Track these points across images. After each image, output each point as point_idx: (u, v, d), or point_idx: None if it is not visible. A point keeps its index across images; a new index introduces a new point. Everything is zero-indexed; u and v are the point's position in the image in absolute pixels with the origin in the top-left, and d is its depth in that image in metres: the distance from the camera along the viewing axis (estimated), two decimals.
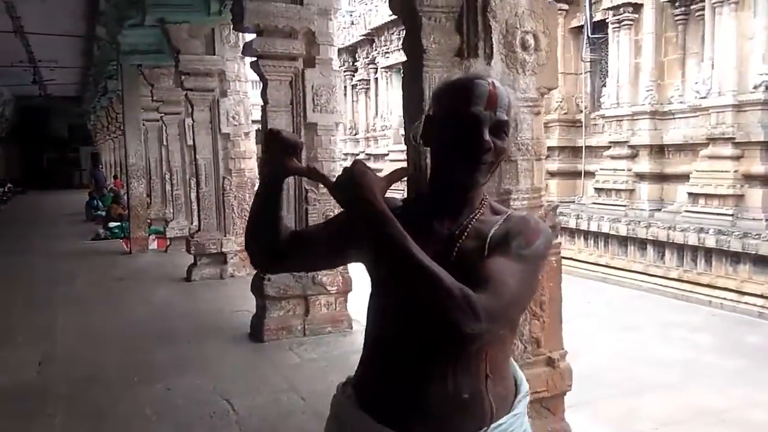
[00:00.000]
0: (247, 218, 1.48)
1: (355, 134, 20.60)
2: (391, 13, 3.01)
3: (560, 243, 2.80)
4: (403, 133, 2.61)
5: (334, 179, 1.21)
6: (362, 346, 1.41)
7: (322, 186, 4.95)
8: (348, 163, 1.30)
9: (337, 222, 1.43)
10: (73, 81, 17.84)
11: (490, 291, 1.13)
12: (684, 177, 10.03)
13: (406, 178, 2.03)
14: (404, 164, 2.46)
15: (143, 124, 10.48)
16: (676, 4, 10.23)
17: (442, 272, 1.12)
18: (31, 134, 29.23)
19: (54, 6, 8.73)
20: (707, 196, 9.46)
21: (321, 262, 1.58)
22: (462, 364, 1.25)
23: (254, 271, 5.62)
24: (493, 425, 1.28)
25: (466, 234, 1.29)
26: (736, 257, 8.70)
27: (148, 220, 10.25)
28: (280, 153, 1.33)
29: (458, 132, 1.25)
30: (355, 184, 1.16)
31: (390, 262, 1.16)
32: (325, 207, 4.95)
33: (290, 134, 1.36)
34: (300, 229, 1.65)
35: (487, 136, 1.24)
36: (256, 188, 1.67)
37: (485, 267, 1.19)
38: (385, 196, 1.21)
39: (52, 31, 10.47)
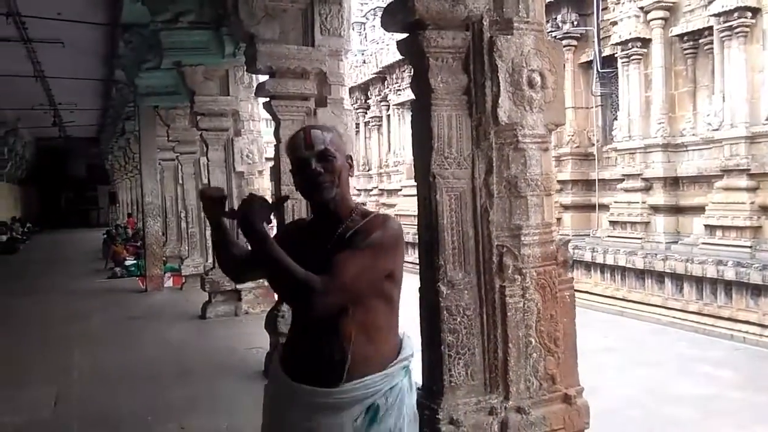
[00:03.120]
0: None
1: (369, 170, 20.75)
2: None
3: (572, 278, 2.78)
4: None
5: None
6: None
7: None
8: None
9: None
10: (91, 122, 18.23)
11: (329, 274, 1.60)
12: (699, 209, 9.95)
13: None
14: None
15: (159, 164, 10.67)
16: (685, 38, 10.31)
17: (294, 267, 1.61)
18: (50, 175, 29.79)
19: (73, 51, 8.99)
20: (724, 228, 9.36)
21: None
22: (327, 329, 1.68)
23: (269, 308, 5.61)
24: (358, 380, 1.68)
25: (336, 240, 1.74)
26: (756, 290, 8.55)
27: (164, 258, 10.33)
28: (209, 206, 1.79)
29: (297, 171, 1.77)
30: (242, 214, 1.64)
31: (265, 264, 1.69)
32: None
33: (213, 190, 1.84)
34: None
35: (314, 165, 1.72)
36: None
37: (332, 258, 1.64)
38: (298, 218, 2.00)
39: (71, 74, 10.77)
